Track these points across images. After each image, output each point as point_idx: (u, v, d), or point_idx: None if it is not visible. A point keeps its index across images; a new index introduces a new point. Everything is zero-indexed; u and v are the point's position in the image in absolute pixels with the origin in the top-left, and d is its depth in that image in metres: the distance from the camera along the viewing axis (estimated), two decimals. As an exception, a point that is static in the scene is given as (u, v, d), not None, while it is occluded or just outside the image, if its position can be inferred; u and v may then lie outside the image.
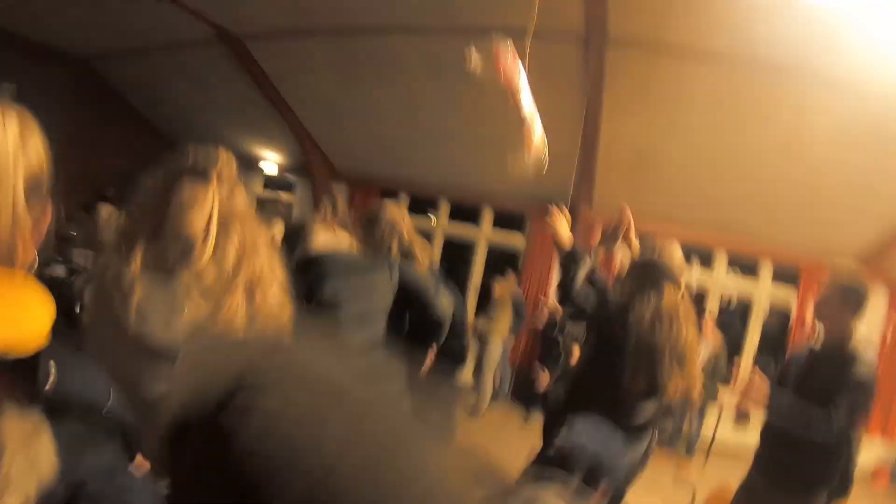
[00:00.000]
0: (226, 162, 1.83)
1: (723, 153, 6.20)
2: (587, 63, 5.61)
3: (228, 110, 10.14)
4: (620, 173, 7.01)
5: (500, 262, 8.82)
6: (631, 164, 6.86)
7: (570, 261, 3.08)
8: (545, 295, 8.07)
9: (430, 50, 6.50)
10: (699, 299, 7.61)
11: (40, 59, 10.47)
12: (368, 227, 3.05)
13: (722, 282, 7.85)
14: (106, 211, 6.10)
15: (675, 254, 2.96)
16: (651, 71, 5.62)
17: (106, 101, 11.81)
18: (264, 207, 6.37)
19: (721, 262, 7.81)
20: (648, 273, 2.89)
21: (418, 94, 7.41)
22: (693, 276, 7.66)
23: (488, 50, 2.81)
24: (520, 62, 2.87)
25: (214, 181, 1.75)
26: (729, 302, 8.00)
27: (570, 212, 6.96)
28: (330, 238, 3.15)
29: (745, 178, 6.38)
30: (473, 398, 7.70)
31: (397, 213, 3.12)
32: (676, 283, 2.87)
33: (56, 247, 7.29)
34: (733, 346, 7.14)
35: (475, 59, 2.83)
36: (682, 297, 2.88)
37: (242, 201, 1.83)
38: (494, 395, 7.93)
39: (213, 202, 1.71)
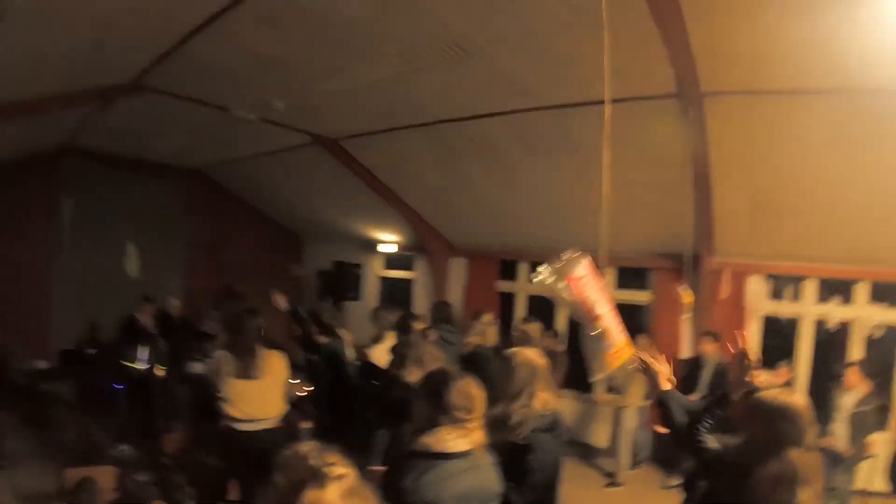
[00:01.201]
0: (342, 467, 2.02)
1: (841, 184, 5.91)
2: (686, 117, 5.57)
3: (339, 202, 10.72)
4: (739, 218, 6.83)
5: (626, 319, 8.55)
6: (748, 207, 6.67)
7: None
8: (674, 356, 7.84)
9: (522, 129, 6.69)
10: (841, 337, 7.25)
11: (156, 174, 11.55)
12: None
13: (863, 316, 7.24)
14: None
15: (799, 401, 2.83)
16: (753, 116, 5.50)
17: (224, 204, 12.69)
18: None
19: (861, 294, 7.24)
20: (774, 429, 2.75)
21: (517, 169, 7.59)
22: (833, 313, 7.34)
23: (563, 265, 2.88)
24: (595, 276, 2.92)
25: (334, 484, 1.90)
26: (871, 335, 7.47)
27: (693, 262, 6.93)
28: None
29: (871, 205, 6.05)
30: (613, 466, 7.58)
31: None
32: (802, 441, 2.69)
33: (195, 345, 7.82)
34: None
35: (547, 275, 2.91)
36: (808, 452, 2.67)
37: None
38: (633, 464, 7.73)
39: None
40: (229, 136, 8.84)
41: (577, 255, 3.00)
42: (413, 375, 5.00)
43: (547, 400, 3.43)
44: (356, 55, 5.47)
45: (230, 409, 5.18)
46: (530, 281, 9.63)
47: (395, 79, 5.85)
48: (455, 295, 10.23)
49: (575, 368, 7.11)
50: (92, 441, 7.92)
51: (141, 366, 8.10)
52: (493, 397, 3.16)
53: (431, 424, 2.78)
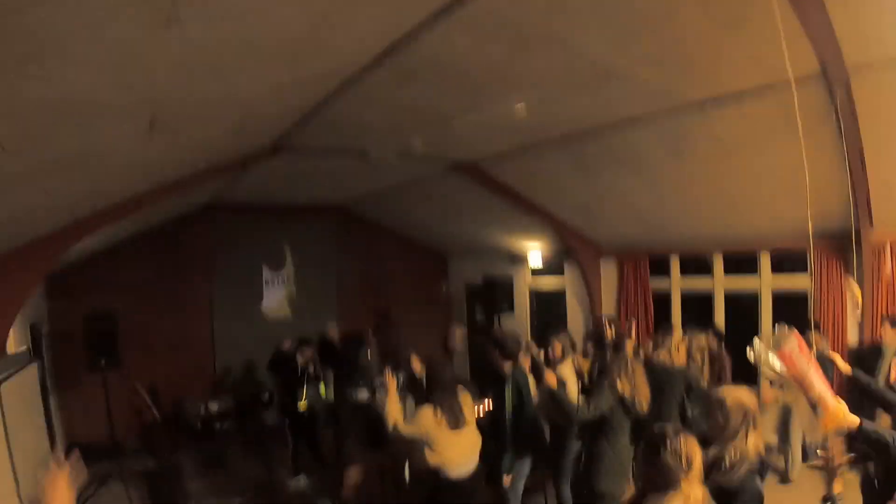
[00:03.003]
0: None
1: None
2: (834, 95, 5.35)
3: (482, 219, 10.82)
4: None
5: (786, 307, 8.29)
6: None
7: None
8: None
9: (665, 130, 6.58)
10: None
11: (304, 216, 12.51)
12: None
13: None
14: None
15: None
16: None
17: (371, 234, 13.21)
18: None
19: None
20: None
21: (661, 170, 7.50)
22: None
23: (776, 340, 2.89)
24: (803, 347, 2.94)
25: None
26: None
27: (855, 237, 6.64)
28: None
29: None
30: (782, 464, 7.33)
31: None
32: None
33: (357, 373, 8.12)
34: None
35: (761, 351, 2.94)
36: None
37: None
38: (805, 458, 7.43)
39: None
40: (371, 174, 9.27)
41: (787, 330, 3.02)
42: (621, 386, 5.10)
43: (757, 442, 3.36)
44: (493, 93, 5.66)
45: (444, 460, 5.32)
46: (683, 278, 9.50)
47: (533, 105, 5.95)
48: (608, 298, 10.13)
49: (736, 364, 6.92)
50: (268, 475, 8.38)
51: (306, 403, 8.45)
52: (704, 440, 3.16)
53: (652, 484, 2.80)
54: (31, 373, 6.59)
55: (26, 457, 5.54)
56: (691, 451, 2.78)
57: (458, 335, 8.21)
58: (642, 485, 2.89)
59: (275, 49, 3.86)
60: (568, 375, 6.59)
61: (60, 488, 2.37)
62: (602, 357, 5.76)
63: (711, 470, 3.24)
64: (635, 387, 5.31)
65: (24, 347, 6.82)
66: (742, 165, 6.70)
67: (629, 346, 6.80)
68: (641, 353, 7.13)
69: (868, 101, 5.42)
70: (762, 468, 3.45)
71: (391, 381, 5.52)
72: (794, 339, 3.05)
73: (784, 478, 7.29)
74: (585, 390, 6.41)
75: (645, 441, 2.93)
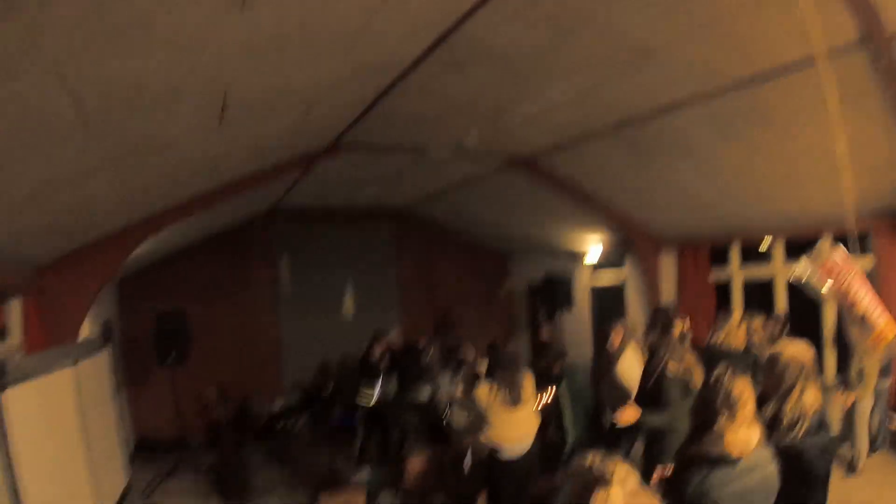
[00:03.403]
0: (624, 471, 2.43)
1: None
2: (878, 64, 5.30)
3: (540, 216, 10.89)
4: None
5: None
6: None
7: None
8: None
9: (715, 112, 6.54)
10: None
11: (363, 219, 12.88)
12: None
13: None
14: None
15: None
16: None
17: (430, 236, 13.42)
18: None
19: None
20: None
21: (713, 154, 7.44)
22: None
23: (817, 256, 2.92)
24: (848, 263, 2.93)
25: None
26: None
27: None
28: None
29: None
30: (849, 453, 7.17)
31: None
32: None
33: (420, 374, 8.28)
34: None
35: (805, 268, 2.97)
36: None
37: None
38: (871, 450, 7.25)
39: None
40: (427, 173, 9.54)
41: (830, 243, 3.02)
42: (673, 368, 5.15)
43: (816, 397, 3.37)
44: (540, 80, 5.81)
45: (498, 437, 5.42)
46: (743, 266, 9.42)
47: (580, 93, 6.06)
48: (668, 290, 10.09)
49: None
50: (333, 469, 8.58)
51: (370, 400, 8.62)
52: (761, 398, 3.20)
53: (708, 425, 2.87)
54: (105, 358, 6.84)
55: (96, 444, 5.73)
56: (742, 391, 2.86)
57: (547, 332, 8.37)
58: (695, 425, 2.97)
59: (333, 38, 4.09)
60: (631, 363, 6.65)
61: None
62: (660, 343, 5.78)
63: (772, 428, 3.29)
64: (688, 368, 5.34)
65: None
66: (793, 143, 6.62)
67: (677, 329, 6.78)
68: (690, 337, 7.24)
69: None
70: (823, 426, 3.42)
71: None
72: (839, 253, 3.04)
73: (852, 467, 7.10)
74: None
75: (701, 387, 3.01)
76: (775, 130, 6.58)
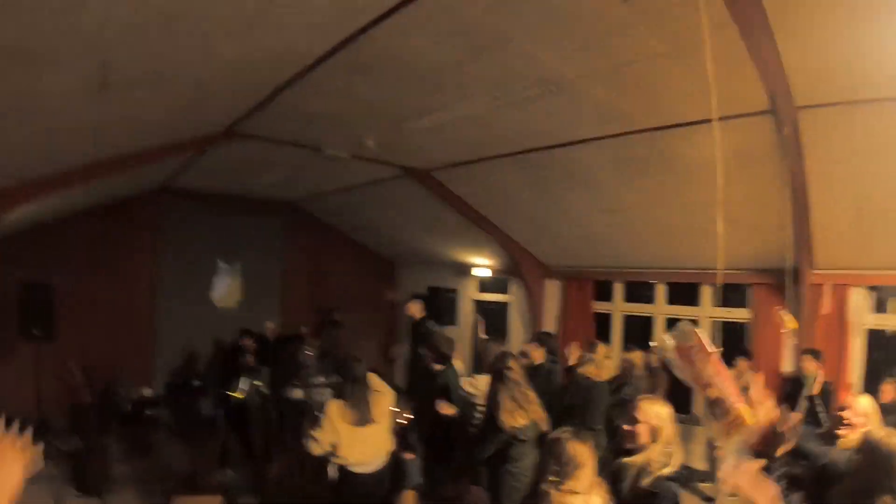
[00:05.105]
0: None
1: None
2: (781, 132, 5.48)
3: (432, 229, 10.89)
4: (840, 230, 6.62)
5: (726, 337, 8.35)
6: (849, 218, 6.45)
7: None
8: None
9: (618, 153, 6.68)
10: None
11: (253, 209, 12.40)
12: None
13: None
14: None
15: None
16: (851, 126, 5.34)
17: (320, 234, 13.23)
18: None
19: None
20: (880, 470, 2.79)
21: (609, 192, 7.57)
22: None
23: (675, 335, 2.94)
24: (706, 346, 2.96)
25: None
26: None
27: (794, 276, 6.75)
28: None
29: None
30: (713, 490, 7.32)
31: None
32: None
33: (294, 371, 8.02)
34: None
35: (666, 345, 2.98)
36: None
37: None
38: None
39: None
40: (323, 171, 9.22)
41: (689, 326, 3.04)
42: (510, 418, 5.07)
43: (667, 452, 3.40)
44: (446, 95, 5.64)
45: (345, 456, 5.25)
46: (626, 302, 9.61)
47: (484, 113, 5.97)
48: (550, 317, 10.21)
49: (674, 388, 7.01)
50: (196, 467, 8.23)
51: (241, 394, 8.32)
52: (611, 433, 3.22)
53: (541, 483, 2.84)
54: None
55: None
56: (579, 455, 2.85)
57: (415, 308, 8.24)
58: (536, 485, 2.94)
59: (225, 22, 3.84)
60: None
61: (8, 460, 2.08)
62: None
63: (619, 476, 3.33)
64: (529, 410, 5.28)
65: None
66: (690, 193, 6.80)
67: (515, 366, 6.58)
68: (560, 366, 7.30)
69: (816, 142, 5.55)
70: (683, 478, 3.46)
71: None
72: (694, 336, 3.07)
73: (713, 508, 7.29)
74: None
75: (542, 447, 3.00)
76: (675, 178, 6.74)
